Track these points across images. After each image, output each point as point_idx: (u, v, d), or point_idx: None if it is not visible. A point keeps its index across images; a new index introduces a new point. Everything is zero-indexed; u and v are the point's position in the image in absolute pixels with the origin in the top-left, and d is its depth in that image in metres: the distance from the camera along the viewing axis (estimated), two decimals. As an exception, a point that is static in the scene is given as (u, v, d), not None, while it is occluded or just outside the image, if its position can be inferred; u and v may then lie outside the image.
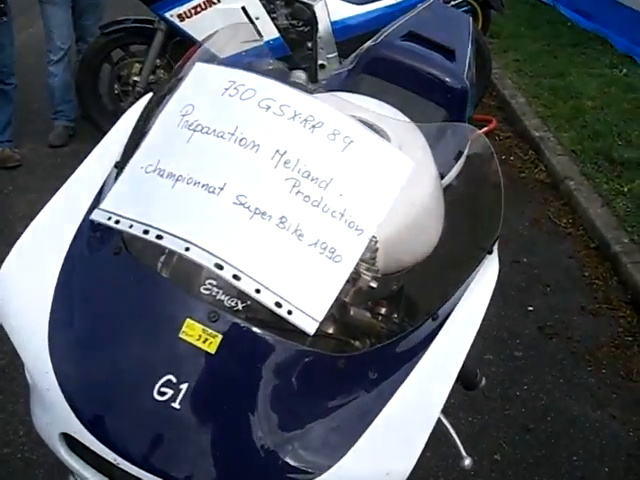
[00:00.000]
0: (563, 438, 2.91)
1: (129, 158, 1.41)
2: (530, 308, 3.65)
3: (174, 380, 1.19)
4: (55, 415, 1.28)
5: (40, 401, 1.32)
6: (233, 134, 1.31)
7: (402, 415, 1.26)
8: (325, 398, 1.26)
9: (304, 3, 4.82)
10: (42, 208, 4.35)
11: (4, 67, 4.72)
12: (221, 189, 1.26)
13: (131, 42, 5.02)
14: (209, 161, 1.31)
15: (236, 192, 1.26)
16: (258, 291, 1.21)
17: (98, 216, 1.34)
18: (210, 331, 1.20)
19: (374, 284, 1.37)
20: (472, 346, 1.37)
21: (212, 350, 1.20)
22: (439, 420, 1.33)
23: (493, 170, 1.63)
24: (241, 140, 1.30)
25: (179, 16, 4.66)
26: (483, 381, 1.59)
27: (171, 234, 1.24)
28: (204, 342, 1.20)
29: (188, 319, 1.21)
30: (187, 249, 1.22)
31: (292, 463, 1.20)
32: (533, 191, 4.75)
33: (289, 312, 1.20)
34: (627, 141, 5.10)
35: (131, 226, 1.28)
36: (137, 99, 5.00)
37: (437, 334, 1.35)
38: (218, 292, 1.30)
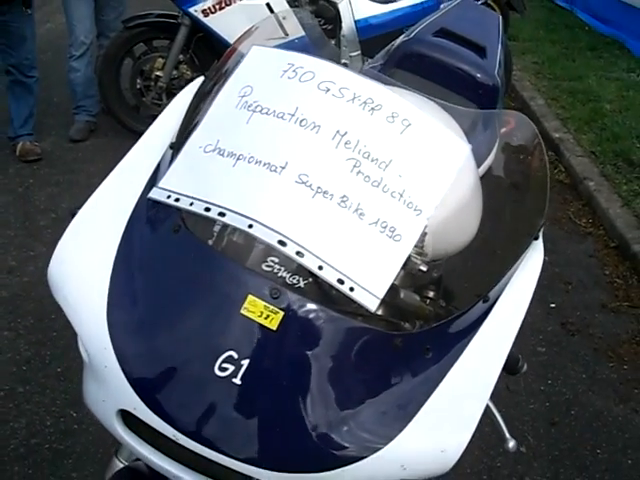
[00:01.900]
0: (587, 432, 2.94)
1: (185, 139, 1.42)
2: (552, 305, 3.68)
3: (235, 356, 1.19)
4: (112, 392, 1.27)
5: (95, 378, 1.30)
6: (293, 115, 1.33)
7: (455, 394, 1.27)
8: (382, 376, 1.27)
9: (329, 1, 4.86)
10: (63, 201, 4.41)
11: (25, 60, 4.75)
12: (283, 168, 1.27)
13: (154, 37, 5.07)
14: (270, 141, 1.32)
15: (298, 171, 1.27)
16: (321, 268, 1.22)
17: (157, 194, 1.36)
18: (272, 307, 1.20)
19: (424, 267, 1.38)
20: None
21: (273, 326, 1.19)
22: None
23: (537, 153, 1.65)
24: (302, 121, 1.32)
25: (203, 11, 4.72)
26: (525, 367, 1.61)
27: (234, 211, 1.25)
28: (265, 318, 1.19)
29: (250, 295, 1.21)
30: (250, 226, 1.23)
31: (348, 441, 1.21)
32: (553, 191, 4.75)
33: (351, 289, 1.22)
34: (646, 144, 5.13)
35: (192, 204, 1.30)
36: (159, 94, 5.06)
37: (487, 316, 1.37)
38: (280, 269, 1.30)
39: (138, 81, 5.06)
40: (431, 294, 1.46)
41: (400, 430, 1.22)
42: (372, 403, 1.24)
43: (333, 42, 4.87)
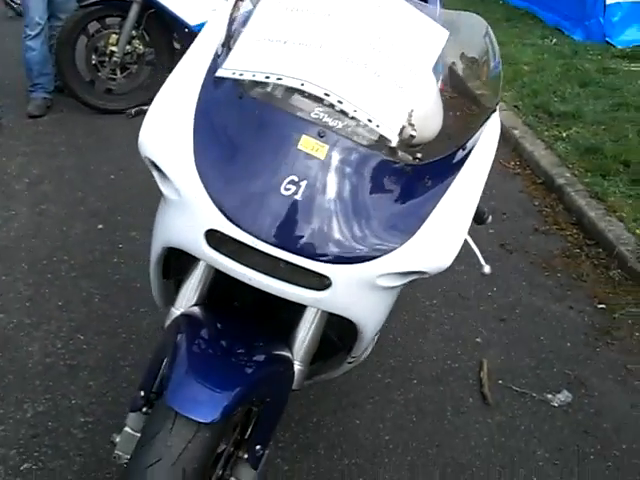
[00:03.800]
0: (531, 325, 3.43)
1: (234, 37, 1.84)
2: (491, 231, 4.16)
3: (296, 179, 1.62)
4: (201, 216, 1.67)
5: (184, 210, 1.70)
6: (323, 12, 1.78)
7: (448, 213, 1.72)
8: (399, 194, 1.72)
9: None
10: (34, 168, 4.68)
11: None
12: (321, 46, 1.72)
13: (107, 15, 5.35)
14: (309, 29, 1.77)
15: (332, 47, 1.73)
16: (355, 111, 1.68)
17: (223, 73, 1.77)
18: (320, 143, 1.64)
19: (414, 133, 1.81)
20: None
21: (322, 156, 1.64)
22: None
23: (491, 47, 2.09)
24: (329, 15, 1.77)
25: None
26: (490, 218, 2.05)
27: (288, 76, 1.69)
28: (316, 151, 1.64)
29: (304, 135, 1.65)
30: (302, 84, 1.67)
31: (379, 238, 1.65)
32: (482, 141, 5.28)
33: (377, 125, 1.68)
34: (562, 97, 5.74)
35: (254, 75, 1.72)
36: (113, 69, 5.34)
37: (467, 159, 1.81)
38: (324, 116, 1.72)
39: (93, 57, 5.34)
40: (419, 155, 1.89)
41: (413, 233, 1.68)
42: (393, 214, 1.69)
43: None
